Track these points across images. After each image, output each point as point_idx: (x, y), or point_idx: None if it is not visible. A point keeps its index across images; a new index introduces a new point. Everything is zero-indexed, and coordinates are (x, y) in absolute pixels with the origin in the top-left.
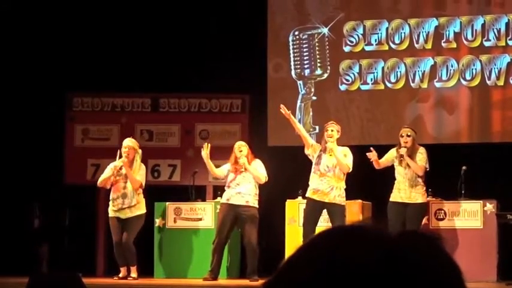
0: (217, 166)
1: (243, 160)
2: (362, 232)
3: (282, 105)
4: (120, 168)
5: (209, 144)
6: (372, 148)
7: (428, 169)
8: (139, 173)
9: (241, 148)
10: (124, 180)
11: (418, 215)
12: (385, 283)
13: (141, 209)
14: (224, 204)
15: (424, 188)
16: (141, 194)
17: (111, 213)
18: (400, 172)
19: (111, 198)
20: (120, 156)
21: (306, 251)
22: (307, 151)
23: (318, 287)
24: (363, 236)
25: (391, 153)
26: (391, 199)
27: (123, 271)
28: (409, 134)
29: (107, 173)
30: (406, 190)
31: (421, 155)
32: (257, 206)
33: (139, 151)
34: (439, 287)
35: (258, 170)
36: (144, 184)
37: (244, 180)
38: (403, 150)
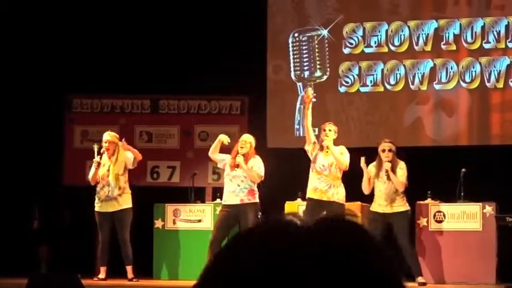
0: (216, 167)
1: (239, 159)
2: (280, 227)
3: (309, 89)
4: (99, 164)
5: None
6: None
7: (407, 186)
8: (125, 158)
9: (243, 145)
10: (106, 169)
11: (405, 222)
12: (311, 276)
13: (128, 203)
14: (224, 206)
15: (405, 199)
16: (127, 187)
17: (98, 208)
18: (379, 187)
19: (96, 192)
20: (99, 152)
21: (229, 253)
22: (307, 146)
23: None
24: (282, 231)
25: (371, 171)
26: (371, 209)
27: (103, 271)
28: (390, 149)
29: (92, 170)
30: (386, 205)
31: (402, 170)
32: (255, 201)
33: (120, 143)
34: (369, 273)
35: (254, 169)
36: (130, 164)
37: (236, 178)
38: (387, 165)
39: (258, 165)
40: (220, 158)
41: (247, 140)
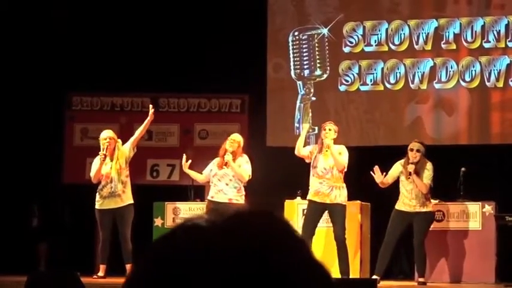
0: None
1: (228, 157)
2: (190, 228)
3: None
4: (105, 157)
5: (186, 156)
6: (377, 167)
7: (432, 186)
8: (124, 153)
9: (232, 143)
10: (109, 167)
11: (426, 222)
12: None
13: (130, 199)
14: (209, 202)
15: (430, 199)
16: (129, 181)
17: (99, 205)
18: (405, 186)
19: (98, 189)
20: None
21: (139, 257)
22: (307, 160)
23: None
24: (190, 232)
25: (397, 169)
26: (396, 207)
27: (102, 269)
28: (419, 149)
29: (96, 165)
30: (411, 204)
31: (428, 171)
32: (241, 201)
33: (119, 140)
34: (281, 274)
35: (243, 168)
36: (131, 152)
37: (225, 177)
38: (411, 167)
39: (245, 165)
40: (206, 173)
41: (236, 139)
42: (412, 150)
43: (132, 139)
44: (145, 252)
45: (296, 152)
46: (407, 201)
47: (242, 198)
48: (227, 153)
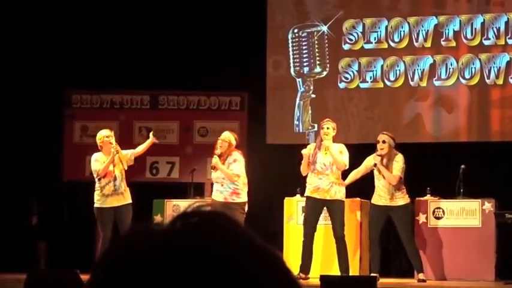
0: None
1: (214, 161)
2: (136, 234)
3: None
4: (118, 152)
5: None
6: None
7: (402, 178)
8: (124, 154)
9: (221, 144)
10: (112, 165)
11: (405, 216)
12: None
13: (130, 199)
14: (212, 200)
15: (405, 191)
16: (126, 182)
17: (100, 204)
18: (379, 179)
19: (100, 186)
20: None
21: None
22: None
23: None
24: (136, 238)
25: (368, 161)
26: (372, 201)
27: None
28: (384, 140)
29: (101, 161)
30: (386, 197)
31: (397, 163)
32: (238, 201)
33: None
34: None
35: (231, 168)
36: (130, 161)
37: (218, 180)
38: (376, 159)
39: (234, 164)
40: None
41: (226, 138)
42: (378, 142)
43: (134, 151)
44: (103, 257)
45: (304, 174)
46: (382, 194)
47: (239, 197)
48: (214, 157)
